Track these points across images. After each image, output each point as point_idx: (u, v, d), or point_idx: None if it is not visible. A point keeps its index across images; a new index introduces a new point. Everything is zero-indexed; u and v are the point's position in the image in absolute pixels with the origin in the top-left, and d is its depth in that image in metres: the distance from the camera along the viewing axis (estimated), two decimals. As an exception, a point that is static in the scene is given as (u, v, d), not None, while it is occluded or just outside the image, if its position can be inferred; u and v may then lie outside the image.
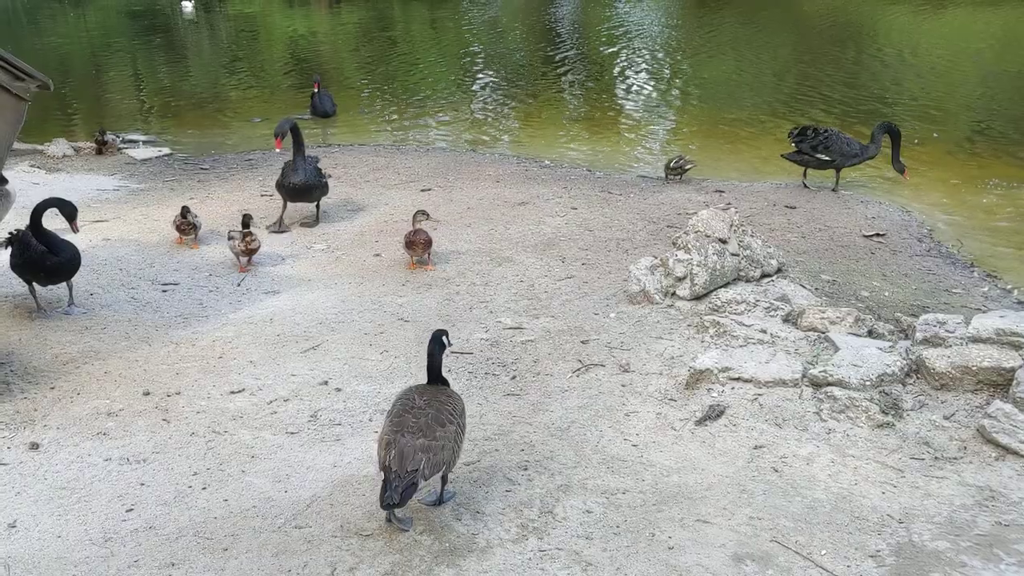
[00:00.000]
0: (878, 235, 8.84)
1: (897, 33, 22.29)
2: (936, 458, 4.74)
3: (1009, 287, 7.54)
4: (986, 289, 7.53)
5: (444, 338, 4.48)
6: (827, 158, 10.06)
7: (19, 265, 6.62)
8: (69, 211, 6.79)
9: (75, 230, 6.89)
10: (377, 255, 8.44)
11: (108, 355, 6.22)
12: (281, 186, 9.03)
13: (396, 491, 3.85)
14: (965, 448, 4.78)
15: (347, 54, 22.57)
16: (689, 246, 6.95)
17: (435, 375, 4.47)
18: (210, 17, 30.04)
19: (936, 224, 9.36)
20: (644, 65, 19.41)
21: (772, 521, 4.30)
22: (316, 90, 14.53)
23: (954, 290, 7.51)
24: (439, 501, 4.42)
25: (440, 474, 4.18)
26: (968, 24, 23.47)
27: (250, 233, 7.86)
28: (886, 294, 7.37)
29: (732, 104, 15.37)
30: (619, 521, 4.36)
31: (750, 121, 14.06)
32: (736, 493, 4.56)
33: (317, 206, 9.43)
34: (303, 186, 8.96)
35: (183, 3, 29.21)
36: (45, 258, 6.51)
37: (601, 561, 4.06)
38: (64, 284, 6.93)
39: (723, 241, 7.14)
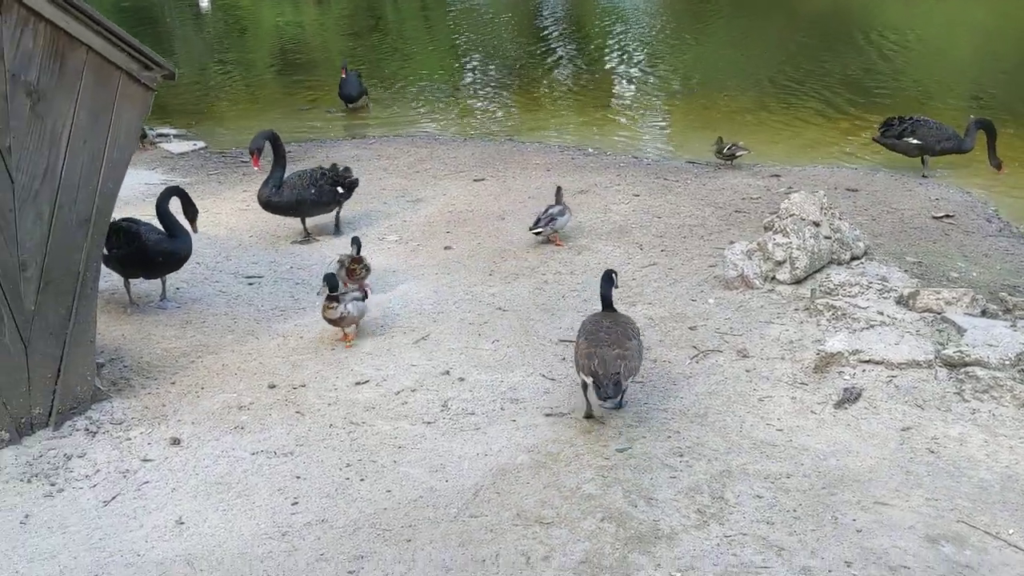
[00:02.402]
0: (947, 216, 8.87)
1: (914, 19, 22.39)
2: (1092, 436, 4.75)
3: (1094, 266, 7.56)
4: (1070, 269, 7.56)
5: (613, 275, 5.45)
6: (916, 142, 10.04)
7: (121, 258, 6.42)
8: (193, 213, 6.78)
9: (195, 230, 6.90)
10: (448, 248, 8.31)
11: (218, 349, 6.13)
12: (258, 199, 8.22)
13: (608, 388, 4.74)
14: (1119, 425, 4.79)
15: (355, 45, 22.38)
16: (787, 230, 6.93)
17: (608, 304, 5.37)
18: (213, 10, 29.68)
19: (998, 204, 9.39)
20: (662, 53, 19.38)
21: (950, 502, 4.30)
22: (344, 76, 14.29)
23: (1039, 270, 7.54)
24: (618, 405, 5.14)
25: (629, 383, 4.97)
26: (974, 8, 23.69)
27: (359, 259, 6.93)
28: (974, 274, 7.38)
29: (756, 89, 15.38)
30: (794, 505, 4.34)
31: (780, 107, 14.06)
32: (901, 475, 4.55)
33: (303, 221, 8.49)
34: (265, 202, 8.06)
35: None
36: (160, 244, 6.39)
37: (792, 545, 4.04)
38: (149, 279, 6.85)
39: (816, 224, 7.13)
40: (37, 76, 4.60)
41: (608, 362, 4.83)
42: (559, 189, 8.33)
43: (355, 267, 6.90)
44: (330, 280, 6.22)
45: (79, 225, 4.98)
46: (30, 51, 4.54)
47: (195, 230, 7.00)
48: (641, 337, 5.20)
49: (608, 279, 5.42)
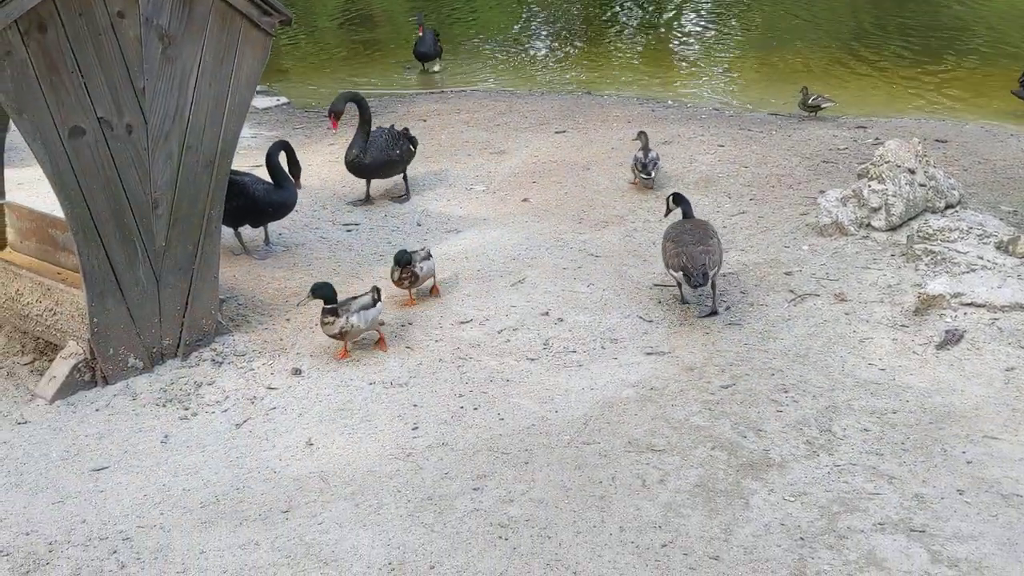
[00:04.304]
0: (1042, 167, 8.71)
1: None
2: None
3: None
4: None
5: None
6: None
7: (232, 210, 6.39)
8: (297, 170, 7.04)
9: (299, 186, 7.18)
10: (525, 200, 8.36)
11: (326, 289, 6.36)
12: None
13: (697, 277, 5.59)
14: None
15: (417, 2, 22.47)
16: (883, 176, 6.91)
17: (688, 215, 6.29)
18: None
19: (1095, 157, 9.17)
20: (733, 5, 19.09)
21: (1060, 436, 4.34)
22: (420, 33, 14.22)
23: None
24: (714, 311, 5.88)
25: (715, 273, 5.76)
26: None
27: (408, 268, 5.94)
28: (1073, 224, 7.28)
29: (833, 42, 15.11)
30: (901, 439, 4.43)
31: (860, 59, 13.81)
32: (1008, 412, 4.61)
33: (404, 178, 8.39)
34: (355, 164, 7.87)
35: None
36: (270, 194, 6.65)
37: (903, 475, 4.13)
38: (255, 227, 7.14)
39: (911, 171, 7.08)
40: (168, 21, 4.81)
41: (695, 257, 5.65)
42: (645, 135, 8.39)
43: (404, 278, 5.97)
44: (320, 291, 5.32)
45: (204, 166, 5.22)
46: (162, -4, 4.75)
47: (299, 186, 7.23)
48: (718, 236, 6.07)
49: (684, 200, 6.39)
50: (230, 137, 5.28)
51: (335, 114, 7.99)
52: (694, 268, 5.61)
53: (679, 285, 5.95)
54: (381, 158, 8.09)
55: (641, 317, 5.95)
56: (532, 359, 5.43)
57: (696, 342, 5.59)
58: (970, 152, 9.22)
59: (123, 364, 5.14)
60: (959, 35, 14.80)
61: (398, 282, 6.01)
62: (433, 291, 6.34)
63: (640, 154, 8.34)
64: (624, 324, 5.87)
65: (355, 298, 5.49)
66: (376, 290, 5.59)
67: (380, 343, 5.59)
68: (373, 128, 8.48)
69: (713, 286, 5.87)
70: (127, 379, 5.15)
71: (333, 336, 5.34)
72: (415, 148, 8.57)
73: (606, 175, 8.87)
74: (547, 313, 6.01)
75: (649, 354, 5.46)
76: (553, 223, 7.75)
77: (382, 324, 5.66)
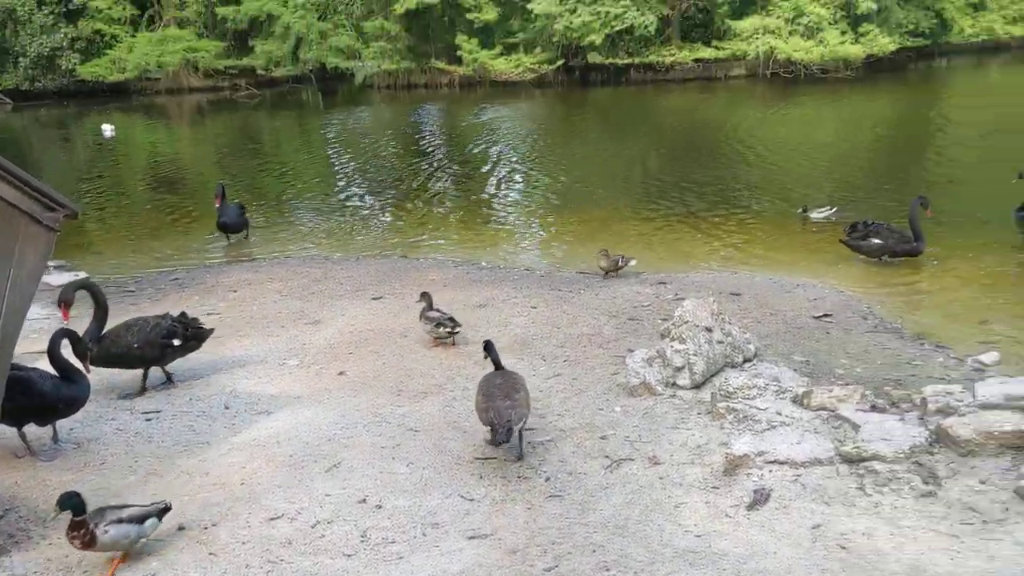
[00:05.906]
0: (826, 316, 9.41)
1: (769, 129, 24.12)
2: (984, 521, 5.06)
3: (961, 356, 8.12)
4: (941, 359, 8.11)
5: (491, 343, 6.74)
6: (879, 242, 11.22)
7: (14, 410, 5.92)
8: (83, 352, 6.52)
9: (87, 370, 6.59)
10: (341, 373, 8.19)
11: (121, 492, 5.87)
12: None
13: (502, 434, 5.90)
14: (1008, 509, 5.13)
15: (231, 167, 22.39)
16: (683, 336, 7.23)
17: (498, 365, 6.64)
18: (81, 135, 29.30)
19: (871, 302, 10.03)
20: (537, 168, 20.20)
21: (866, 595, 4.48)
22: (218, 204, 13.92)
23: (914, 362, 8.06)
24: (520, 455, 6.21)
25: (519, 427, 6.10)
26: (815, 117, 25.88)
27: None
28: (858, 370, 7.84)
29: (629, 201, 16.21)
30: (723, 612, 4.43)
31: (654, 217, 14.83)
32: (818, 573, 4.72)
33: (144, 374, 7.86)
34: (100, 356, 7.46)
35: (103, 126, 29.50)
36: (59, 391, 6.15)
37: (726, 653, 4.11)
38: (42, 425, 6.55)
39: (709, 329, 7.46)
40: (-66, 222, 4.47)
41: (501, 412, 5.99)
42: (428, 295, 9.05)
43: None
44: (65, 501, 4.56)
45: (-24, 372, 4.77)
46: (-73, 197, 4.43)
47: (87, 370, 6.72)
48: (526, 386, 6.45)
49: (491, 348, 6.72)
50: (9, 334, 4.89)
51: (65, 304, 7.59)
52: (500, 424, 5.94)
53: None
54: (114, 351, 7.58)
55: (462, 496, 5.81)
56: (349, 555, 5.15)
57: (518, 519, 5.49)
58: (762, 304, 9.86)
59: None
60: (748, 190, 16.25)
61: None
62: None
63: (434, 313, 8.76)
64: (445, 505, 5.71)
65: None
66: None
67: None
68: (156, 315, 8.14)
69: (520, 434, 6.21)
70: None
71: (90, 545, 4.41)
72: (184, 343, 7.86)
73: (424, 342, 8.84)
74: (364, 500, 5.77)
75: (471, 538, 5.30)
76: (371, 396, 7.58)
77: None
